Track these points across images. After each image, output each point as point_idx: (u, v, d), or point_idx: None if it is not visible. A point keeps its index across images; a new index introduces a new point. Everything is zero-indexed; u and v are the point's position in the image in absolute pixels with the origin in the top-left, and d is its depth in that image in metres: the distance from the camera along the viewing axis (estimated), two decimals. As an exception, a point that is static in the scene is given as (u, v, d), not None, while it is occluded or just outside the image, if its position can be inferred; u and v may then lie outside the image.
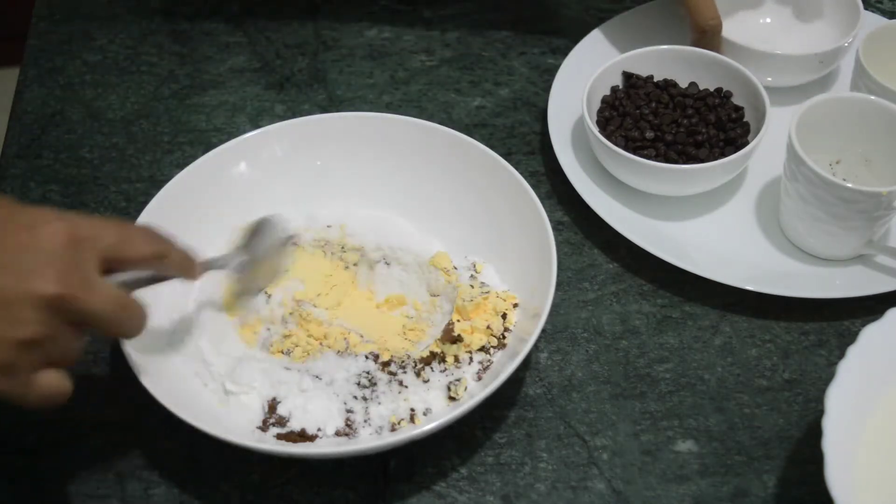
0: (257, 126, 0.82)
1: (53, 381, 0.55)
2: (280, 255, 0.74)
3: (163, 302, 0.67)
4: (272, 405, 0.67)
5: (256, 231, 0.71)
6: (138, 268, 0.59)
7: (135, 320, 0.58)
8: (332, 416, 0.67)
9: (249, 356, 0.70)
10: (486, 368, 0.69)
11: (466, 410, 0.63)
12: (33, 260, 0.53)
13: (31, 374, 0.54)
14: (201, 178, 0.76)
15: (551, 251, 0.70)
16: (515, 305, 0.72)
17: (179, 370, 0.68)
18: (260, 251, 0.71)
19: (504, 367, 0.66)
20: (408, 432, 0.63)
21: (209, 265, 0.68)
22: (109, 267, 0.57)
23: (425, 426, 0.63)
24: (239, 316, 0.72)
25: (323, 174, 0.79)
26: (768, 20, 0.95)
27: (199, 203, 0.75)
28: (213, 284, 0.72)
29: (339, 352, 0.70)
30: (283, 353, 0.71)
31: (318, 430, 0.66)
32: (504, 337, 0.71)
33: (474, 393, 0.67)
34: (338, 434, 0.66)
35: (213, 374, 0.69)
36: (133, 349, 0.64)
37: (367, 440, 0.66)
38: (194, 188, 0.75)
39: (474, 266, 0.75)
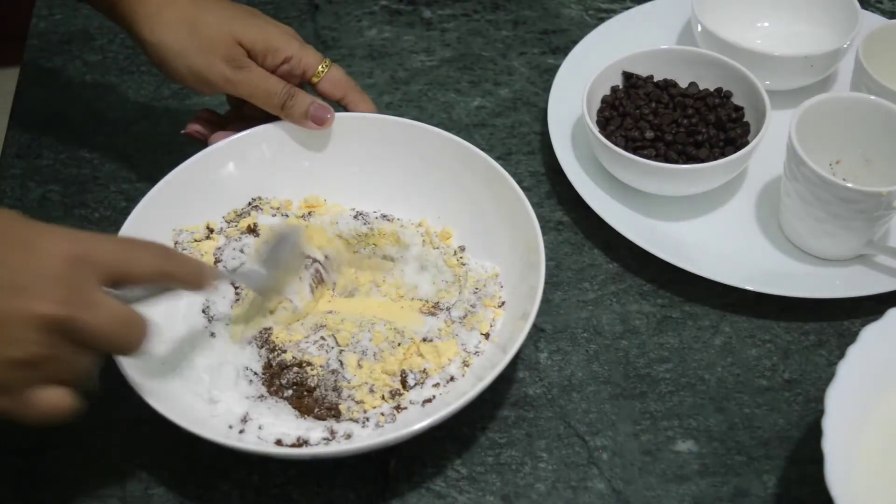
0: (257, 126, 0.83)
1: (53, 399, 0.54)
2: (296, 270, 0.73)
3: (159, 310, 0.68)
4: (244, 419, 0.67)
5: (276, 245, 0.71)
6: (144, 284, 0.59)
7: (136, 336, 0.57)
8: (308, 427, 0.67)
9: (227, 363, 0.70)
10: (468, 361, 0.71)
11: (461, 406, 0.63)
12: (32, 279, 0.52)
13: (30, 392, 0.53)
14: (189, 180, 0.76)
15: (538, 239, 0.70)
16: (502, 304, 0.73)
17: (176, 383, 0.68)
18: (277, 265, 0.71)
19: (498, 361, 0.66)
20: (401, 429, 0.63)
21: (223, 275, 0.68)
22: (114, 283, 0.56)
23: (420, 423, 0.63)
24: (243, 338, 0.71)
25: (311, 175, 0.79)
26: (766, 24, 0.95)
27: (190, 204, 0.76)
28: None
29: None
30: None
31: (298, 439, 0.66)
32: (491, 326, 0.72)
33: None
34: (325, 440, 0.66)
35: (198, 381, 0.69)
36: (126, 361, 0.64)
37: (363, 439, 0.66)
38: (185, 189, 0.76)
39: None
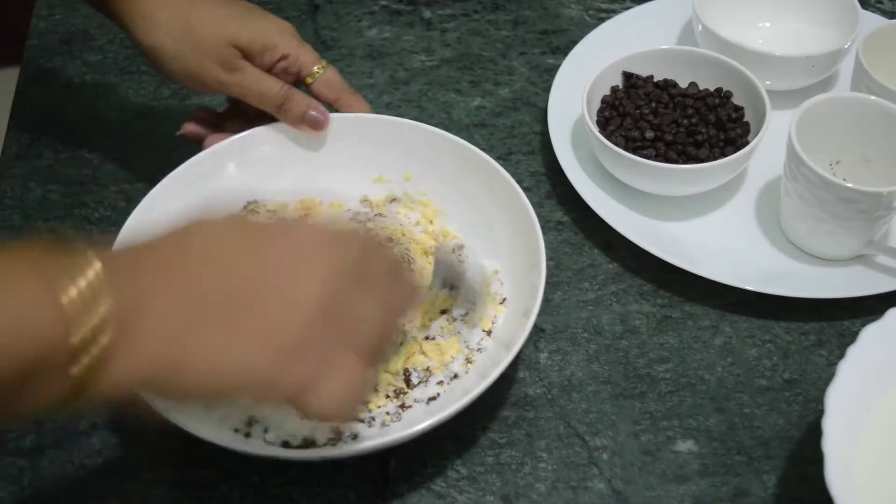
0: (257, 126, 0.83)
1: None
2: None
3: None
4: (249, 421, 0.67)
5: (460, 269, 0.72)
6: None
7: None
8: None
9: None
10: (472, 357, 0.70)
11: (468, 402, 0.63)
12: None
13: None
14: (188, 181, 0.76)
15: (538, 238, 0.70)
16: (503, 300, 0.73)
17: None
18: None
19: (501, 359, 0.66)
20: (408, 428, 0.63)
21: None
22: None
23: (420, 424, 0.62)
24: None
25: (308, 176, 0.79)
26: (768, 24, 0.95)
27: (189, 205, 0.75)
28: None
29: None
30: None
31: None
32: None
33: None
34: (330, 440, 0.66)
35: None
36: None
37: (370, 439, 0.65)
38: (184, 190, 0.75)
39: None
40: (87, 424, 0.70)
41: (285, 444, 0.65)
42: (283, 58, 0.76)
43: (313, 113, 0.77)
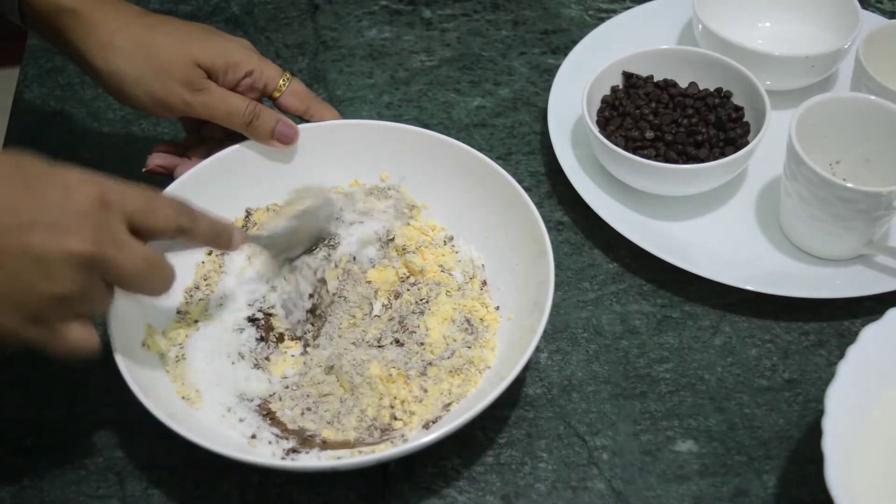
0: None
1: (82, 335, 0.58)
2: (320, 235, 0.74)
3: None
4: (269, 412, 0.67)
5: (314, 207, 0.72)
6: (162, 238, 0.60)
7: (162, 279, 0.60)
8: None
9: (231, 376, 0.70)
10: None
11: (470, 418, 0.62)
12: (69, 219, 0.55)
13: (60, 326, 0.57)
14: (195, 187, 0.75)
15: (548, 254, 0.70)
16: (497, 308, 0.74)
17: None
18: (309, 227, 0.72)
19: (508, 371, 0.65)
20: (409, 445, 0.62)
21: (254, 239, 0.70)
22: (134, 232, 0.58)
23: (426, 437, 0.62)
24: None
25: (306, 184, 0.79)
26: (768, 25, 0.95)
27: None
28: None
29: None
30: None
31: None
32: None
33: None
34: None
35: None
36: (125, 364, 0.64)
37: (367, 455, 0.65)
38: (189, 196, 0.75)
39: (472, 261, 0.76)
40: (87, 424, 0.70)
41: (292, 452, 0.66)
42: (248, 74, 0.75)
43: (282, 128, 0.76)
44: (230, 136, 0.77)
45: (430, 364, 0.69)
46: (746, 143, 0.80)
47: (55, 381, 0.71)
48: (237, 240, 0.66)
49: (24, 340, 0.56)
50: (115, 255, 0.56)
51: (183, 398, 0.67)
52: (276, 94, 0.77)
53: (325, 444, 0.66)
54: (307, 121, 0.79)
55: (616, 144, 0.80)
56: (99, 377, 0.71)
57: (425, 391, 0.68)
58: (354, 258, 0.75)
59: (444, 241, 0.77)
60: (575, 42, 0.94)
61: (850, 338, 0.68)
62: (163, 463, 0.68)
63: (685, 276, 0.77)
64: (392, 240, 0.76)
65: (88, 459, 0.68)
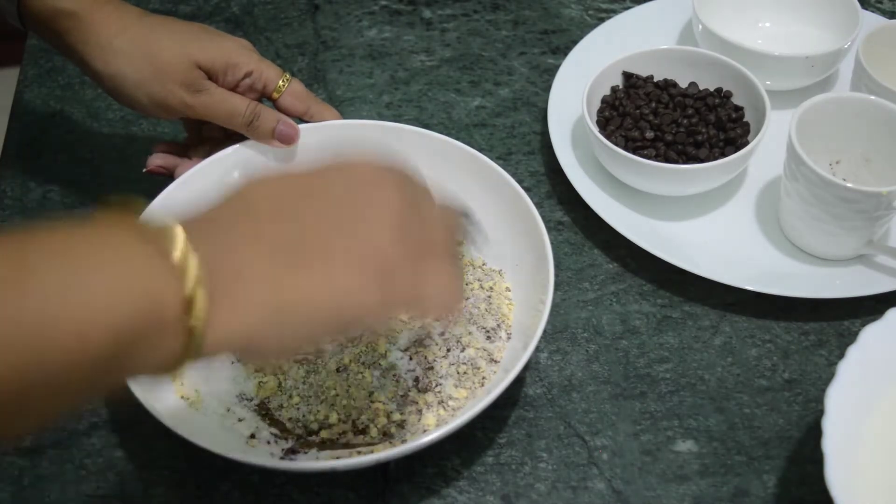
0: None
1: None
2: None
3: None
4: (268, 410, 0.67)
5: None
6: None
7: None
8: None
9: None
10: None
11: (469, 418, 0.63)
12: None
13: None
14: (196, 187, 0.75)
15: (548, 256, 0.70)
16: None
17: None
18: None
19: (506, 372, 0.65)
20: (409, 444, 0.62)
21: None
22: None
23: (427, 437, 0.62)
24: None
25: None
26: (768, 25, 0.95)
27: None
28: None
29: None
30: None
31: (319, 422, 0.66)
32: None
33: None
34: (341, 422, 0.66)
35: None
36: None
37: (366, 455, 0.65)
38: (189, 197, 0.75)
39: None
40: (87, 424, 0.70)
41: (291, 452, 0.66)
42: (248, 75, 0.75)
43: (283, 127, 0.76)
44: (230, 136, 0.77)
45: (431, 369, 0.69)
46: (746, 143, 0.80)
47: (55, 381, 0.71)
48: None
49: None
50: None
51: (182, 398, 0.67)
52: (276, 95, 0.77)
53: (325, 444, 0.66)
54: (307, 121, 0.79)
55: (616, 144, 0.80)
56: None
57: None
58: None
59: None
60: (575, 42, 0.94)
61: (850, 338, 0.68)
62: (163, 463, 0.68)
63: (685, 276, 0.77)
64: None
65: (88, 459, 0.68)
